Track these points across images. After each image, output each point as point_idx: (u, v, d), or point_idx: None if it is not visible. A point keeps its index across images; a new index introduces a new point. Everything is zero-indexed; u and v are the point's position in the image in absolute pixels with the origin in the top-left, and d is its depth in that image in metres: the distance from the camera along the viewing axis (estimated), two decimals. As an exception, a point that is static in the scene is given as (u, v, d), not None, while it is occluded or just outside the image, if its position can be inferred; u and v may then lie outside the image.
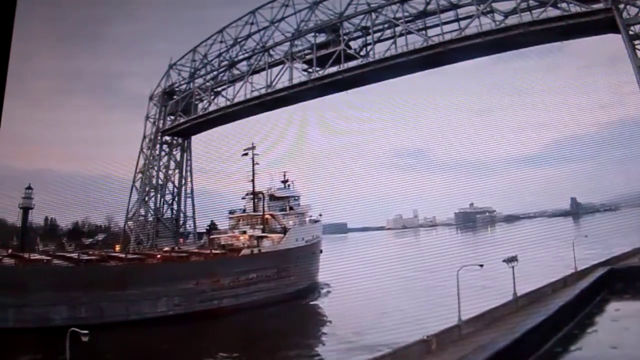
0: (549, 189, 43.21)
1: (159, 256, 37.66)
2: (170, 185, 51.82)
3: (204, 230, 50.92)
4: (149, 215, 50.04)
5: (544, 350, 20.20)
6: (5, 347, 23.65)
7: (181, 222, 51.44)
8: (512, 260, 25.97)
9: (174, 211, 51.40)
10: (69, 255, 37.80)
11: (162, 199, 51.03)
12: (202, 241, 45.37)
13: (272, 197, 43.80)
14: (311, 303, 37.57)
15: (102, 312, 29.43)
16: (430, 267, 33.07)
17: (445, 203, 48.22)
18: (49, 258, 36.00)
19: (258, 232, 41.80)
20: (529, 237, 37.58)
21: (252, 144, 43.39)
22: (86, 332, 15.31)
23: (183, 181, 52.22)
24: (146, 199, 50.25)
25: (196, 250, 40.79)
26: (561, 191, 45.74)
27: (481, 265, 23.73)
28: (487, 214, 60.14)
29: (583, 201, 51.65)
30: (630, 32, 33.90)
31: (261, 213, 42.55)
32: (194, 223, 51.56)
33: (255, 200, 43.21)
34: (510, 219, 55.60)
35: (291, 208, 44.07)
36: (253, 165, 42.90)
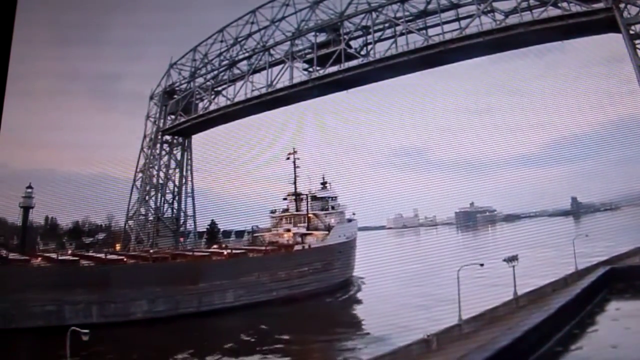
0: (549, 189, 43.19)
1: (225, 253, 40.22)
2: (170, 184, 51.91)
3: (204, 230, 51.18)
4: (150, 214, 50.09)
5: (544, 349, 20.25)
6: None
7: (181, 221, 51.50)
8: (512, 259, 25.98)
9: (175, 210, 51.46)
10: (142, 254, 40.04)
11: (163, 198, 51.08)
12: (246, 238, 48.30)
13: (314, 198, 46.85)
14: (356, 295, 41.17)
15: (178, 305, 32.32)
16: (436, 265, 33.43)
17: (445, 202, 48.18)
18: (124, 257, 38.12)
19: (302, 230, 44.94)
20: (530, 236, 37.55)
21: (294, 149, 45.82)
22: (86, 331, 15.40)
23: (183, 180, 52.29)
24: (147, 198, 50.30)
25: (254, 247, 43.62)
26: (562, 191, 45.70)
27: (481, 265, 23.75)
28: (487, 213, 60.12)
29: (584, 200, 51.62)
30: (631, 32, 33.85)
31: (302, 212, 45.93)
32: (194, 222, 51.68)
33: (297, 200, 46.45)
34: (511, 218, 55.57)
35: (332, 208, 47.00)
36: (295, 168, 45.98)
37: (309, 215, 45.61)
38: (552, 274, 30.86)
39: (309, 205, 45.61)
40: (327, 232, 44.40)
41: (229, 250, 41.03)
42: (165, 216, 50.63)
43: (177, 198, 51.68)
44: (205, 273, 34.27)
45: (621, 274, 31.85)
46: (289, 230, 45.26)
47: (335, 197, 47.67)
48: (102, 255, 38.37)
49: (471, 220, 60.15)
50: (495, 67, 43.68)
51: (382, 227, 60.27)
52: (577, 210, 52.12)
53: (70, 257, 36.94)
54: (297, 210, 46.25)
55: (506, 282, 26.56)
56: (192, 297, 33.02)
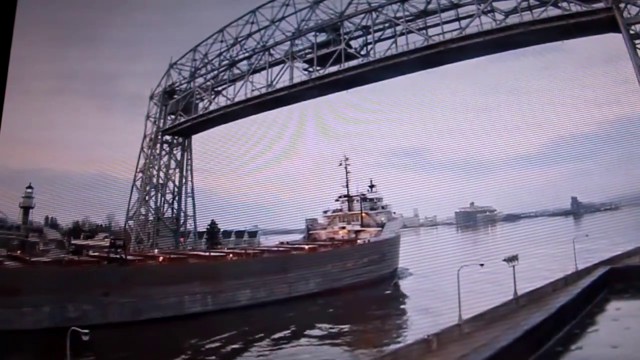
0: (549, 188, 43.20)
1: (306, 247, 44.61)
2: (170, 184, 51.92)
3: (205, 230, 51.32)
4: (150, 214, 50.10)
5: (544, 350, 20.21)
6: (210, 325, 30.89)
7: (181, 221, 51.51)
8: (512, 259, 25.97)
9: (175, 210, 51.48)
10: (240, 251, 43.76)
11: (163, 198, 51.10)
12: (303, 235, 52.57)
13: (364, 199, 51.49)
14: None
15: (272, 292, 36.76)
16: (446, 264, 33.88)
17: (445, 202, 48.47)
18: (226, 253, 42.07)
19: (356, 227, 49.85)
20: (531, 236, 37.60)
21: (345, 156, 49.89)
22: (87, 331, 15.42)
23: (183, 180, 52.31)
24: (147, 198, 50.30)
25: (324, 242, 48.17)
26: (562, 190, 45.75)
27: (482, 265, 23.76)
28: (487, 213, 60.17)
29: (584, 200, 51.67)
30: (631, 32, 33.90)
31: (354, 211, 51.03)
32: (194, 222, 51.73)
33: (349, 201, 51.60)
34: (511, 218, 55.61)
35: (382, 207, 51.63)
36: (347, 174, 50.59)
37: (362, 214, 50.25)
38: (552, 273, 30.91)
39: (361, 205, 50.69)
40: (380, 229, 49.04)
41: (309, 246, 45.64)
42: (165, 216, 50.66)
43: (177, 198, 51.71)
44: (292, 265, 38.99)
45: (621, 274, 31.75)
46: (344, 228, 50.26)
47: (381, 197, 52.30)
48: (206, 253, 43.04)
49: (471, 220, 60.21)
50: (495, 67, 43.80)
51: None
52: (577, 210, 52.17)
53: (180, 256, 41.21)
54: (349, 210, 50.97)
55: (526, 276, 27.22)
56: (283, 285, 37.56)
